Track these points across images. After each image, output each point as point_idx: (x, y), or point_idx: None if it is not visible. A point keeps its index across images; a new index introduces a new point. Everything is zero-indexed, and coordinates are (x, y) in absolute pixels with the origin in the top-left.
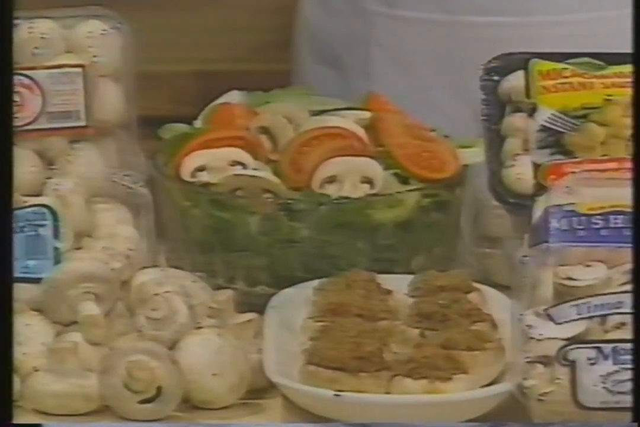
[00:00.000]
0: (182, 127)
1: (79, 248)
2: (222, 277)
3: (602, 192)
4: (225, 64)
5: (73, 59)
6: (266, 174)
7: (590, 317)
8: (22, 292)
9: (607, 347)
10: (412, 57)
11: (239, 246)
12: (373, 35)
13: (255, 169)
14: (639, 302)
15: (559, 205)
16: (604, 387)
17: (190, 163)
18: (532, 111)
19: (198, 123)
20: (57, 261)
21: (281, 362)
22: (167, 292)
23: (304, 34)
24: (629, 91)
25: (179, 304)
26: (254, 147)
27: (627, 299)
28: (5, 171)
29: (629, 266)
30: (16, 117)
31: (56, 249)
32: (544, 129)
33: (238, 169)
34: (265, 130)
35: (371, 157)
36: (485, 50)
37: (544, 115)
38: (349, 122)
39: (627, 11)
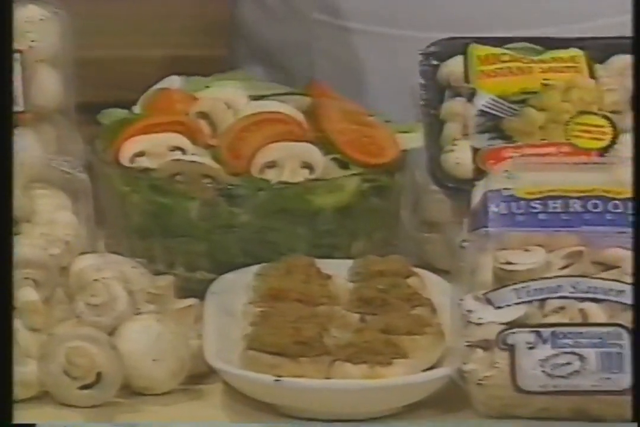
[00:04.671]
0: (121, 113)
1: (17, 234)
2: (162, 263)
3: (541, 176)
4: (163, 50)
5: None
6: (205, 159)
7: (530, 302)
8: None
9: (545, 332)
10: (358, 67)
11: (179, 232)
12: (317, 45)
13: (194, 155)
14: (639, 298)
15: (497, 190)
16: (543, 371)
17: (129, 148)
18: (471, 96)
19: (137, 108)
20: None
21: (221, 348)
22: (106, 278)
23: (241, 36)
24: (566, 76)
25: (118, 290)
26: (193, 133)
27: (566, 283)
28: (6, 161)
29: (567, 250)
30: None
31: None
32: (483, 113)
33: (177, 155)
34: (204, 115)
35: (311, 142)
36: None
37: (483, 100)
38: (289, 107)
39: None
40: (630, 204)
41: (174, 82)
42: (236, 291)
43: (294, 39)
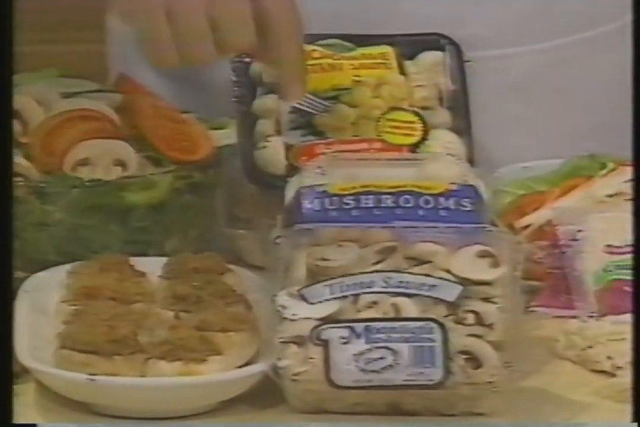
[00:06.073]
0: None
1: None
2: None
3: (353, 172)
4: None
5: None
6: (16, 157)
7: (343, 297)
8: None
9: (359, 327)
10: None
11: None
12: None
13: None
14: (638, 300)
15: (310, 186)
16: (357, 366)
17: None
18: None
19: None
20: None
21: (34, 347)
22: None
23: None
24: (377, 72)
25: None
26: None
27: (379, 278)
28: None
29: (380, 246)
30: None
31: None
32: (295, 110)
33: None
34: (14, 113)
35: (123, 139)
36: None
37: None
38: (101, 104)
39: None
40: (441, 199)
41: None
42: (49, 289)
43: None
